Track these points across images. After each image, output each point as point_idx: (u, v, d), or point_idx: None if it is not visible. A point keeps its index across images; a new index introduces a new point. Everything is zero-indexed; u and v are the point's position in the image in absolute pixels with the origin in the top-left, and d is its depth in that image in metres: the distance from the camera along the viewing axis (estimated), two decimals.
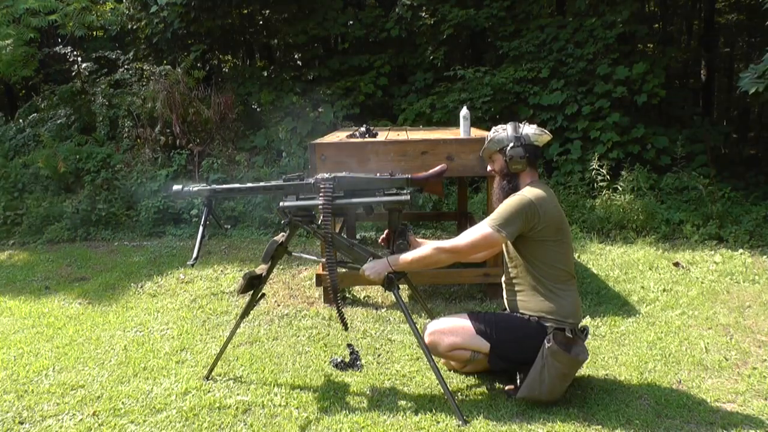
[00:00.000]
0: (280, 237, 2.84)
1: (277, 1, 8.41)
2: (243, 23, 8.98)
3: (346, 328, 2.87)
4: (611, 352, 3.10)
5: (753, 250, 4.86)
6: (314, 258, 3.40)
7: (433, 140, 3.77)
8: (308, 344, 3.32)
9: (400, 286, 2.73)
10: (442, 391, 2.55)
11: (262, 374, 2.95)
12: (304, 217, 2.79)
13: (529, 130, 2.65)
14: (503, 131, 2.67)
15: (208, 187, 2.80)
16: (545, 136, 2.66)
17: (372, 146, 3.77)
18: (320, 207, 2.66)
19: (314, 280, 4.08)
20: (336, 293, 2.77)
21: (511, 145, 2.62)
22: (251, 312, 3.10)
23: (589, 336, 3.09)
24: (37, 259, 5.54)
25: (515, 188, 2.66)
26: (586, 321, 3.47)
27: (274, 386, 2.81)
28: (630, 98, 6.98)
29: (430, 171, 2.74)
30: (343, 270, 3.61)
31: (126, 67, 8.32)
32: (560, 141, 7.07)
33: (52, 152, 7.00)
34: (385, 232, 2.90)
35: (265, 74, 8.78)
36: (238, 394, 2.74)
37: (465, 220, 5.00)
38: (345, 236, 2.84)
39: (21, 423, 2.59)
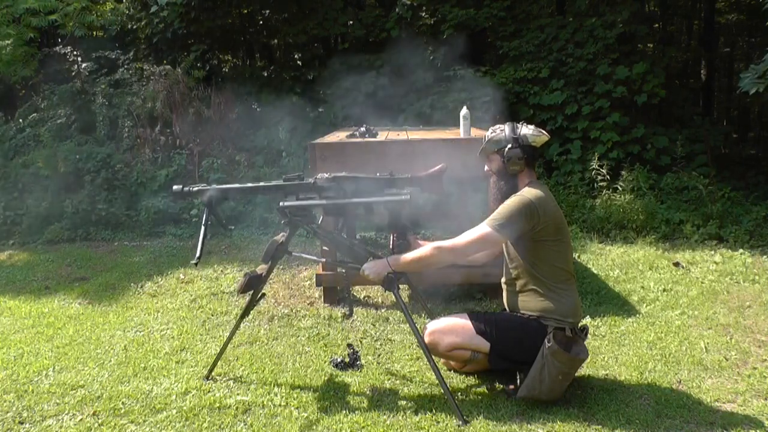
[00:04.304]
0: (280, 237, 2.84)
1: (277, 1, 8.41)
2: (243, 23, 8.98)
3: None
4: (611, 352, 3.10)
5: (753, 250, 4.86)
6: (314, 258, 3.40)
7: (433, 140, 3.77)
8: (308, 344, 3.32)
9: (400, 286, 2.73)
10: (442, 391, 2.55)
11: (262, 374, 2.95)
12: (304, 216, 2.79)
13: (526, 130, 2.65)
14: (501, 132, 2.67)
15: (210, 187, 2.80)
16: (543, 137, 2.66)
17: (372, 146, 3.77)
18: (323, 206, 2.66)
19: (314, 280, 4.08)
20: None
21: (509, 146, 2.62)
22: (251, 312, 3.10)
23: (589, 336, 3.09)
24: (37, 259, 5.54)
25: (513, 189, 2.66)
26: (586, 321, 3.47)
27: (274, 386, 2.81)
28: (630, 98, 6.98)
29: (430, 170, 2.74)
30: (343, 270, 3.62)
31: (126, 67, 8.32)
32: (560, 141, 7.07)
33: (52, 152, 6.98)
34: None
35: (265, 74, 8.78)
36: (238, 394, 2.74)
37: (465, 220, 4.99)
38: (345, 236, 2.84)
39: (21, 423, 2.59)
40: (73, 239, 6.19)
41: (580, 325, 2.69)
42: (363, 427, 2.45)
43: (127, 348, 3.36)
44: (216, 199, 2.82)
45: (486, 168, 2.79)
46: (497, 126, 2.73)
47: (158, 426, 2.51)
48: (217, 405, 2.65)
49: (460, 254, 2.67)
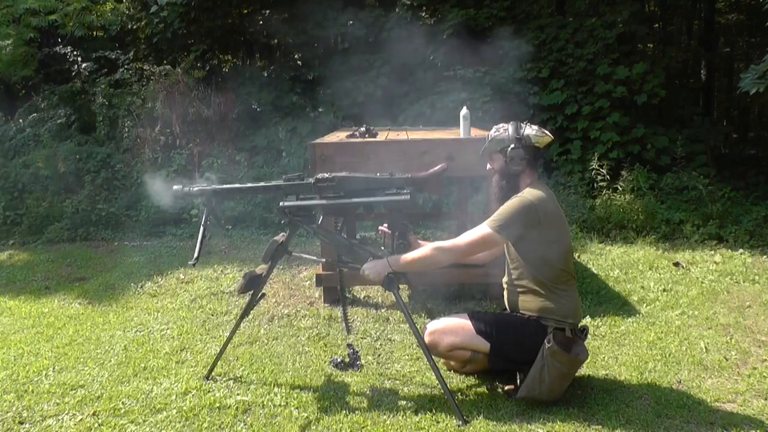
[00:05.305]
0: (280, 237, 2.84)
1: (277, 1, 8.41)
2: (243, 23, 8.98)
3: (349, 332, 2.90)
4: (611, 352, 3.10)
5: (753, 250, 4.86)
6: (314, 258, 3.40)
7: (433, 140, 3.77)
8: (308, 344, 3.32)
9: (400, 286, 2.73)
10: (442, 391, 2.55)
11: (262, 374, 2.95)
12: (304, 216, 2.79)
13: (530, 131, 2.64)
14: (504, 131, 2.67)
15: (209, 187, 2.80)
16: (546, 138, 2.66)
17: (372, 146, 3.77)
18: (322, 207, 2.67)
19: (314, 280, 4.08)
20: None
21: (512, 146, 2.62)
22: (251, 312, 3.10)
23: (589, 336, 3.09)
24: (37, 259, 5.54)
25: (515, 189, 2.65)
26: (586, 321, 3.47)
27: (274, 386, 2.81)
28: (630, 98, 6.98)
29: (430, 171, 2.74)
30: (344, 270, 3.62)
31: (126, 67, 8.32)
32: (560, 141, 7.07)
33: (52, 152, 6.99)
34: (384, 225, 2.89)
35: (265, 74, 8.78)
36: (238, 394, 2.74)
37: (465, 220, 4.99)
38: (345, 236, 2.84)
39: (21, 423, 2.59)
40: (73, 239, 6.19)
41: (580, 325, 2.69)
42: (363, 427, 2.45)
43: (127, 348, 3.36)
44: (216, 200, 2.83)
45: (488, 167, 2.79)
46: (501, 125, 2.72)
47: (158, 426, 2.51)
48: (217, 405, 2.65)
49: (460, 254, 2.67)
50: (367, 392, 2.74)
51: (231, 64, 9.84)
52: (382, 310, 3.78)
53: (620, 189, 5.99)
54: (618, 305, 3.78)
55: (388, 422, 2.47)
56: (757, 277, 4.22)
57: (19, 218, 6.49)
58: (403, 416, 2.51)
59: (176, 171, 6.83)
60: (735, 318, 3.53)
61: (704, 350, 3.10)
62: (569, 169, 6.83)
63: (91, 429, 2.52)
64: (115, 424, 2.54)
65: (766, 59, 5.02)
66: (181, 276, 4.75)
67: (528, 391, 2.52)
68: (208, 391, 2.79)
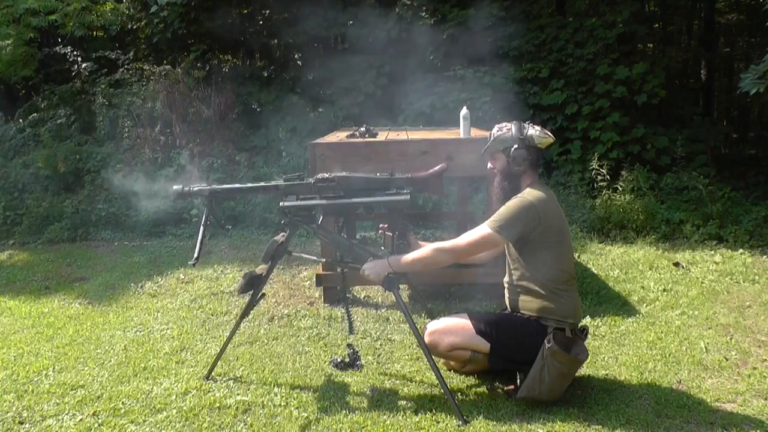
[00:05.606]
0: (280, 237, 2.85)
1: (277, 1, 8.41)
2: (243, 23, 8.98)
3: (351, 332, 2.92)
4: (611, 352, 3.10)
5: (753, 250, 4.86)
6: (314, 258, 3.40)
7: (433, 140, 3.77)
8: (308, 344, 3.32)
9: (400, 286, 2.73)
10: (442, 391, 2.55)
11: (262, 374, 2.95)
12: (304, 216, 2.79)
13: (533, 131, 2.64)
14: (507, 131, 2.67)
15: (209, 188, 2.80)
16: (548, 139, 2.66)
17: (372, 146, 3.77)
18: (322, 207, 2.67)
19: (314, 280, 4.08)
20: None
21: (515, 146, 2.62)
22: (251, 312, 3.10)
23: (589, 336, 3.09)
24: (37, 259, 5.54)
25: (516, 189, 2.65)
26: (586, 321, 3.47)
27: (274, 386, 2.81)
28: (630, 98, 6.98)
29: (430, 171, 2.74)
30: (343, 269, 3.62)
31: (126, 67, 8.32)
32: (560, 141, 7.07)
33: (52, 152, 6.99)
34: (385, 225, 2.90)
35: (265, 74, 8.78)
36: (238, 394, 2.74)
37: (465, 220, 5.00)
38: (345, 236, 2.84)
39: (21, 423, 2.59)
40: (73, 239, 6.19)
41: (580, 325, 2.69)
42: (363, 427, 2.45)
43: (127, 348, 3.36)
44: (215, 199, 2.83)
45: (489, 166, 2.79)
46: (503, 124, 2.72)
47: (158, 426, 2.52)
48: (217, 405, 2.65)
49: (460, 255, 2.67)
50: (367, 392, 2.74)
51: (231, 64, 9.83)
52: (382, 310, 3.78)
53: (620, 189, 5.99)
54: (618, 305, 3.79)
55: (388, 422, 2.47)
56: (757, 277, 4.22)
57: (19, 218, 6.49)
58: (403, 416, 2.51)
59: (176, 171, 6.84)
60: (735, 318, 3.53)
61: (704, 350, 3.10)
62: (569, 169, 6.83)
63: (91, 429, 2.52)
64: (115, 424, 2.54)
65: (766, 59, 5.02)
66: (181, 276, 4.76)
67: (528, 391, 2.52)
68: (208, 391, 2.79)
